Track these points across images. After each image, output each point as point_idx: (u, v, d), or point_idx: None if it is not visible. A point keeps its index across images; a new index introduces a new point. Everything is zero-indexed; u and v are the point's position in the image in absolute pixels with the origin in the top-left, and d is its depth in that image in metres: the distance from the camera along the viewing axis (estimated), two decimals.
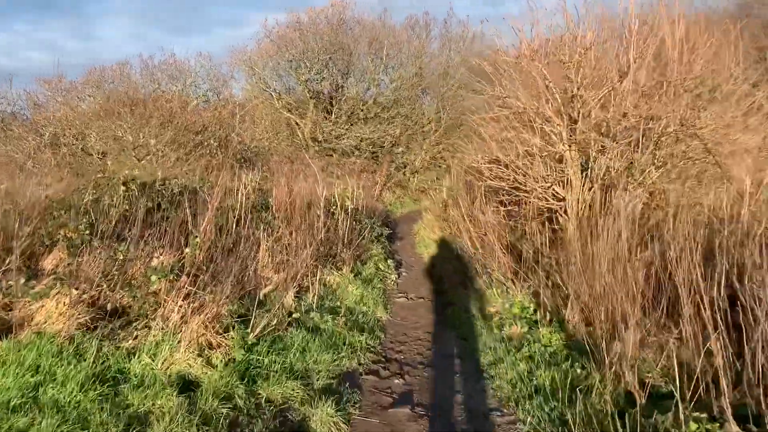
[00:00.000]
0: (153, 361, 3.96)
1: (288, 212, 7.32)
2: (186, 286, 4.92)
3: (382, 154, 22.90)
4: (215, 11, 50.58)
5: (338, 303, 6.23)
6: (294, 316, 5.19)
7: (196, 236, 5.55)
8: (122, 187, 7.11)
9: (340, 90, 23.48)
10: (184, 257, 5.54)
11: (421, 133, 23.78)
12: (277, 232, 7.01)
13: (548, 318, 5.30)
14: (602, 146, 6.70)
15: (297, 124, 22.80)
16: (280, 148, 21.44)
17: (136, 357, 3.98)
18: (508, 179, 7.12)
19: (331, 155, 21.05)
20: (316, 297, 6.00)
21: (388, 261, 8.58)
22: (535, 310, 5.70)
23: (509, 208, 7.47)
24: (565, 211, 7.02)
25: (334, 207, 8.77)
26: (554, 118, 6.95)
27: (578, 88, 6.52)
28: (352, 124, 22.61)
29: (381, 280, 7.73)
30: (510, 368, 4.52)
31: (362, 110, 22.93)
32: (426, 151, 23.13)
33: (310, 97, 22.81)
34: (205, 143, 13.89)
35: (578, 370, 4.16)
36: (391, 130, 22.73)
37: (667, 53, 6.37)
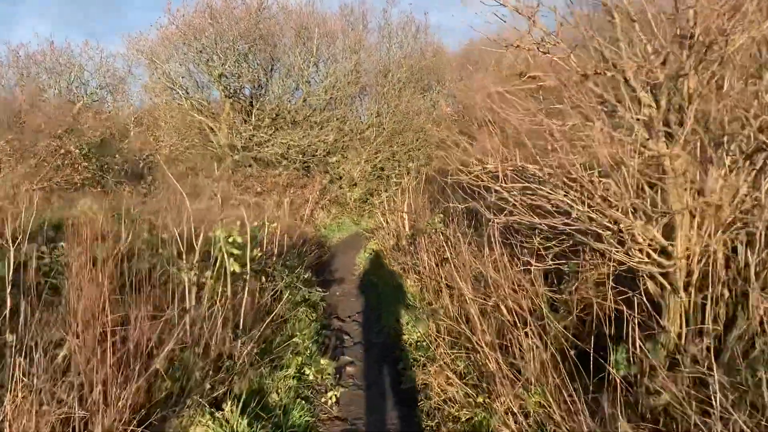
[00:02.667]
0: None
1: (97, 300, 3.43)
2: None
3: (314, 164, 19.16)
4: (136, 15, 45.28)
5: None
6: None
7: None
8: None
9: (262, 88, 19.58)
10: None
11: (359, 140, 20.19)
12: (72, 345, 3.20)
13: None
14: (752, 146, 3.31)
15: (211, 128, 18.65)
16: (187, 157, 17.30)
17: None
18: (557, 211, 3.62)
19: (251, 166, 17.09)
20: None
21: (322, 360, 4.78)
22: None
23: (551, 264, 3.95)
24: (666, 276, 3.60)
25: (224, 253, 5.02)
26: (639, 88, 3.56)
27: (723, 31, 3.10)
28: (277, 129, 18.75)
29: (307, 408, 4.02)
30: None
31: (289, 112, 19.15)
32: (366, 160, 19.54)
33: (226, 96, 18.80)
34: (62, 150, 9.78)
35: None
36: (324, 136, 19.02)
37: None
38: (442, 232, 5.38)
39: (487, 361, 4.09)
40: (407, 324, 5.86)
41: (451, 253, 5.03)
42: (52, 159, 10.28)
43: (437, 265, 5.62)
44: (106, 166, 11.03)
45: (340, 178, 19.46)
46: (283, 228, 10.71)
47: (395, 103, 20.46)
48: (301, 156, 18.77)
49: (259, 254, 5.19)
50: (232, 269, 4.03)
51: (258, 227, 5.78)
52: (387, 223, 11.00)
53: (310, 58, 19.49)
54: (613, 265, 3.70)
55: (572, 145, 3.57)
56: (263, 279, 5.31)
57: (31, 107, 10.93)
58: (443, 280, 5.73)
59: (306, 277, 6.21)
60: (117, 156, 11.85)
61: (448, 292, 5.65)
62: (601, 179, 3.38)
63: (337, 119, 19.67)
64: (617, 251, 3.49)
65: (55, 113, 11.99)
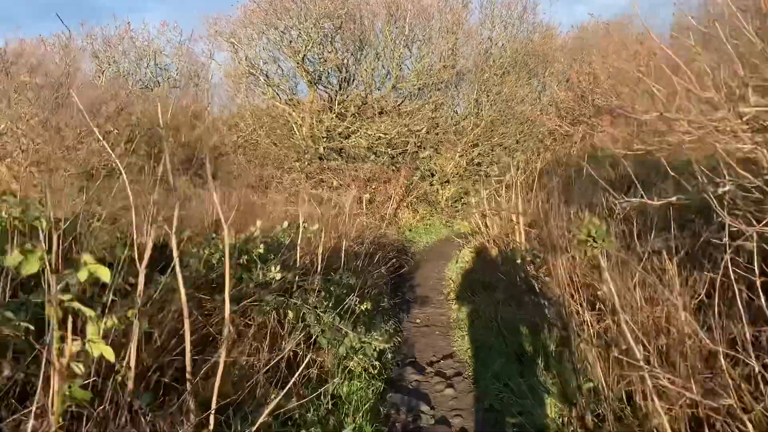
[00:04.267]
0: None
1: None
2: None
3: (404, 158, 16.97)
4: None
5: None
6: None
7: None
8: None
9: (349, 73, 17.62)
10: None
11: (453, 132, 17.85)
12: None
13: None
14: None
15: (292, 116, 16.88)
16: (265, 147, 15.61)
17: None
18: None
19: (330, 159, 15.14)
20: None
21: None
22: None
23: None
24: None
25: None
26: None
27: None
28: (363, 119, 16.73)
29: None
30: None
31: (377, 100, 17.11)
32: (461, 154, 17.16)
33: (309, 82, 17.04)
34: (97, 128, 8.23)
35: None
36: (416, 126, 16.81)
37: None
38: (608, 252, 2.94)
39: None
40: (525, 395, 3.57)
41: (618, 292, 2.70)
42: (88, 141, 8.80)
43: (584, 308, 3.27)
44: (157, 152, 9.44)
45: (432, 174, 17.21)
46: (357, 229, 8.66)
47: (497, 90, 17.97)
48: (389, 150, 16.70)
49: (279, 274, 3.11)
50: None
51: (285, 231, 3.73)
52: (486, 227, 8.67)
53: (402, 38, 17.41)
54: None
55: None
56: (290, 315, 3.24)
57: (83, 87, 9.55)
58: (591, 326, 3.38)
59: (365, 308, 4.03)
60: (172, 140, 10.26)
61: (597, 349, 3.30)
62: None
63: (430, 108, 17.41)
64: None
65: (108, 93, 10.61)
